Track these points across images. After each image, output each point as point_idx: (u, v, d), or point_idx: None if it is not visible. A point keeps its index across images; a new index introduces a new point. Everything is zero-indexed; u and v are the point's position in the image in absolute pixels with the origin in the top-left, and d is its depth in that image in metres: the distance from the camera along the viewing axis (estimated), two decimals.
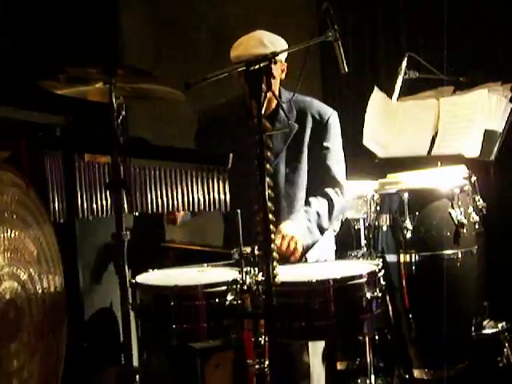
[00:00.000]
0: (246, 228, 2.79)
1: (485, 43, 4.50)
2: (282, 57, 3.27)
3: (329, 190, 3.38)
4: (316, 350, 3.30)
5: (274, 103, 3.37)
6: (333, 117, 3.43)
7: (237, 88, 3.34)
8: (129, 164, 2.89)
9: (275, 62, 2.63)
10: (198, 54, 5.20)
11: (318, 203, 3.34)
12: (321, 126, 3.39)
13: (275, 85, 3.29)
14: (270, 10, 5.08)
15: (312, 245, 3.30)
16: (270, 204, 2.53)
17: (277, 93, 3.33)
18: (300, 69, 2.74)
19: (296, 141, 3.38)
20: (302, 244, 3.19)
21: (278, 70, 3.28)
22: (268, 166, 2.55)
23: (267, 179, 2.53)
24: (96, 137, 2.96)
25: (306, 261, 3.31)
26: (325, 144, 3.40)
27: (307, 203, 3.37)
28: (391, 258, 3.44)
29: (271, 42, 3.22)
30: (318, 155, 3.39)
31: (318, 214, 3.32)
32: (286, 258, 3.14)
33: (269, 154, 2.56)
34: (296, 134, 3.38)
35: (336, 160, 3.43)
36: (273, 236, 2.57)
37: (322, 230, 3.33)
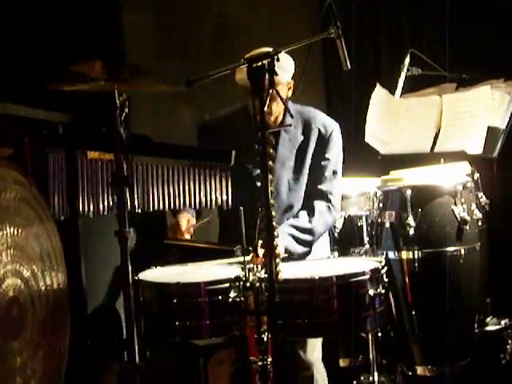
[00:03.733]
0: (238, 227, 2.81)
1: (487, 40, 4.49)
2: (289, 76, 3.26)
3: (321, 205, 3.37)
4: (316, 348, 3.30)
5: (281, 116, 3.35)
6: (336, 130, 3.45)
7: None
8: (131, 161, 2.89)
9: (278, 59, 2.62)
10: (200, 52, 5.20)
11: (306, 217, 3.34)
12: (324, 139, 3.41)
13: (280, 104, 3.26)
14: (271, 7, 5.08)
15: (298, 257, 3.30)
16: (272, 201, 2.53)
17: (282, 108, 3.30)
18: (302, 66, 2.74)
19: (301, 151, 3.40)
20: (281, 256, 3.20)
21: (285, 89, 3.27)
22: (271, 162, 2.55)
23: (270, 176, 2.53)
24: (99, 134, 2.96)
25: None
26: (326, 155, 3.41)
27: (296, 215, 3.37)
28: (394, 254, 3.44)
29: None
30: (319, 166, 3.40)
31: (302, 229, 3.31)
32: None
33: (271, 151, 2.56)
34: (301, 145, 3.40)
35: (333, 171, 3.43)
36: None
37: (307, 243, 3.33)
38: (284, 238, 3.21)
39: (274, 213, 2.53)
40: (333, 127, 3.45)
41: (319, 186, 3.40)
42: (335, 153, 3.44)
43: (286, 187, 3.37)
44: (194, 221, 3.40)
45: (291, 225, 3.31)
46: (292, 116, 3.25)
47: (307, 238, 3.32)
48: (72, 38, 4.36)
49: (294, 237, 3.28)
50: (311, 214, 3.36)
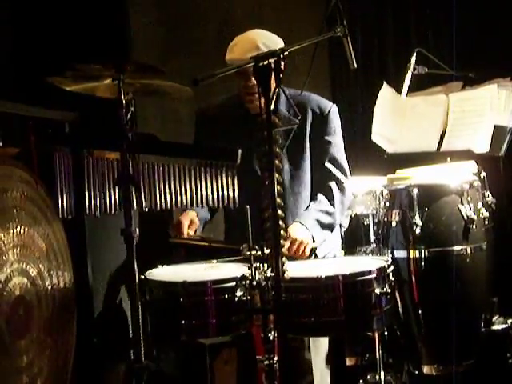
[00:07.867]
0: (244, 225, 2.81)
1: (494, 38, 4.49)
2: None
3: (334, 185, 3.39)
4: (318, 347, 3.29)
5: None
6: (333, 110, 3.44)
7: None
8: (137, 160, 2.90)
9: (284, 59, 2.62)
10: (205, 50, 5.19)
11: (326, 201, 3.35)
12: (321, 120, 3.41)
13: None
14: (276, 5, 5.08)
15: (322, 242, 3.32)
16: (279, 200, 2.53)
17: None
18: (308, 65, 2.74)
19: (297, 136, 3.39)
20: (310, 247, 3.21)
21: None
22: (277, 162, 2.54)
23: (276, 175, 2.52)
24: (105, 133, 2.96)
25: (315, 256, 3.31)
26: (326, 138, 3.41)
27: (314, 199, 3.37)
28: (400, 253, 3.43)
29: (265, 45, 3.21)
30: (321, 149, 3.40)
31: (326, 212, 3.33)
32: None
33: (277, 150, 2.56)
34: (297, 130, 3.38)
35: (338, 152, 3.44)
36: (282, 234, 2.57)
37: (331, 228, 3.34)
38: (311, 226, 3.23)
39: (280, 212, 2.53)
40: (329, 106, 3.44)
41: (327, 165, 3.39)
42: (336, 134, 3.44)
43: (287, 175, 3.36)
44: (197, 221, 3.38)
45: (315, 209, 3.31)
46: (287, 97, 3.23)
47: (330, 220, 3.34)
48: (78, 36, 4.37)
49: (319, 222, 3.29)
50: (330, 196, 3.37)
